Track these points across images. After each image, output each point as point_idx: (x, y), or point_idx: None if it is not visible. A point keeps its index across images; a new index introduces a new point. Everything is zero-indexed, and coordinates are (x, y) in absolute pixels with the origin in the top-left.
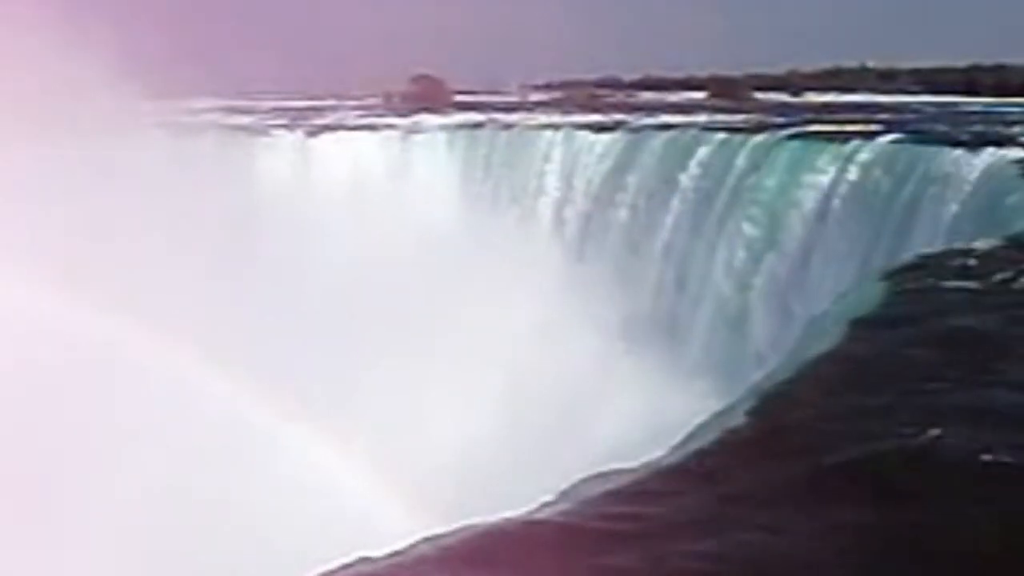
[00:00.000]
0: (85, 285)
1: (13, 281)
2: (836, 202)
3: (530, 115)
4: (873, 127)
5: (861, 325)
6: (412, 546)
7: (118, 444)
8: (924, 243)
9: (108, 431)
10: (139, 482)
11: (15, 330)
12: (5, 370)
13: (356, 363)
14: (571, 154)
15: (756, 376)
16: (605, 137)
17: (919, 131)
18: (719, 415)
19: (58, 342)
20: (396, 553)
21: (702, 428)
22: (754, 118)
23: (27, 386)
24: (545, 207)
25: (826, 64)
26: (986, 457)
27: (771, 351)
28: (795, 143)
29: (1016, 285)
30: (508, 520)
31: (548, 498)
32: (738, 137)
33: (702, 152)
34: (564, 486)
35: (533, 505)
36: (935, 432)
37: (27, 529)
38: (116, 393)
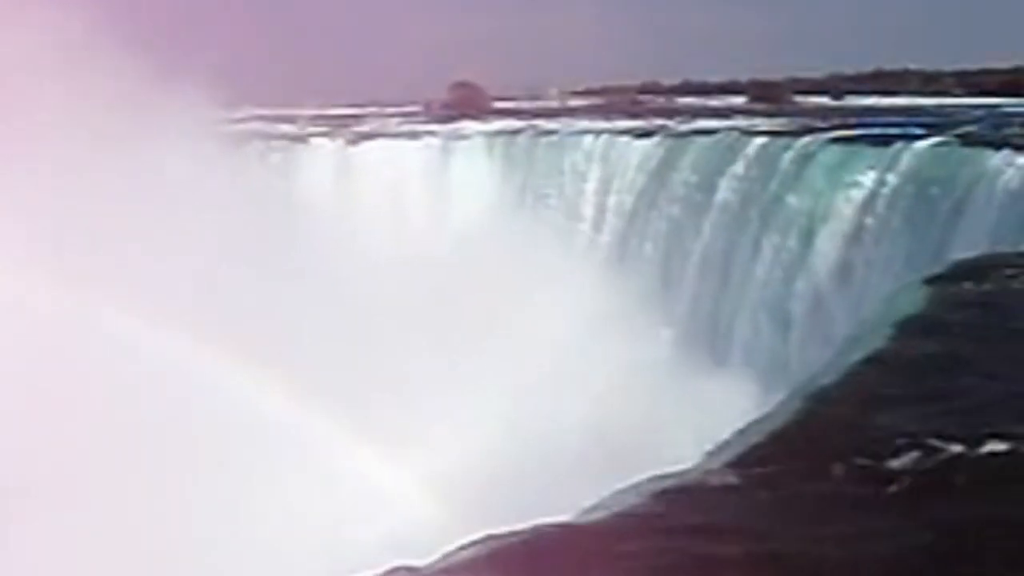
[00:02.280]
0: (131, 293)
1: (61, 286)
2: (879, 205)
3: (570, 121)
4: (916, 130)
5: (906, 328)
6: (454, 552)
7: (170, 452)
8: (969, 246)
9: (160, 439)
10: (193, 486)
11: (63, 338)
12: (61, 378)
13: (397, 367)
14: (611, 159)
15: (799, 380)
16: (645, 142)
17: (963, 134)
18: (761, 419)
19: (100, 349)
20: (437, 561)
21: (744, 432)
22: (795, 122)
23: (84, 393)
24: (585, 212)
25: (868, 67)
26: None
27: (814, 355)
28: (837, 147)
29: None
30: (553, 525)
31: (591, 502)
32: (779, 141)
33: (743, 156)
34: (605, 490)
35: (576, 509)
36: (985, 435)
37: (69, 527)
38: (163, 401)
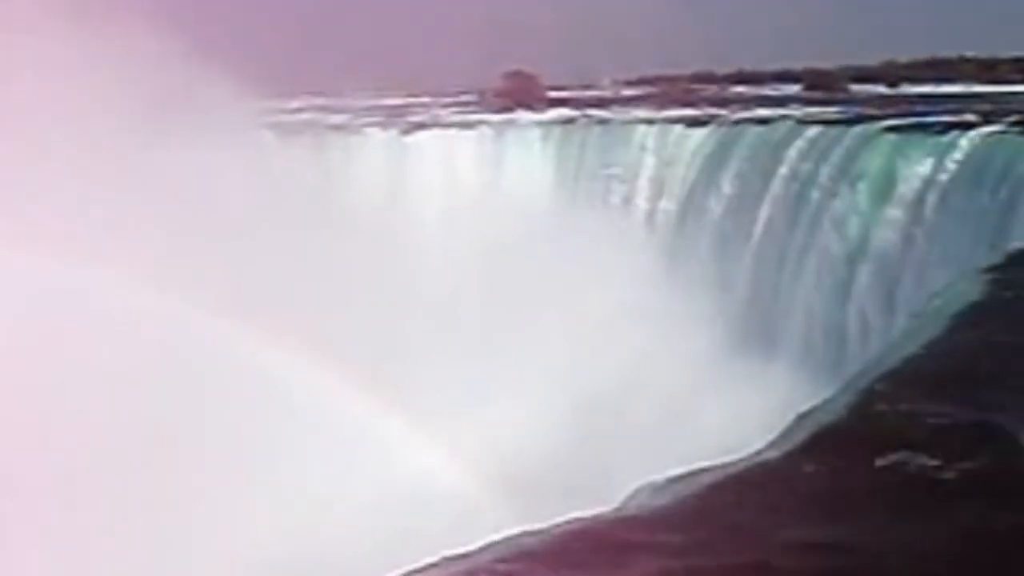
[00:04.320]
0: (189, 284)
1: (118, 280)
2: (935, 194)
3: (624, 110)
4: (972, 117)
5: (963, 319)
6: (497, 544)
7: (225, 439)
8: None
9: (218, 429)
10: (252, 467)
11: (120, 330)
12: (121, 369)
13: (447, 356)
14: (665, 148)
15: (854, 370)
16: (699, 131)
17: (1020, 121)
18: (815, 410)
19: (158, 342)
20: (479, 551)
21: (797, 424)
22: (850, 110)
23: (142, 385)
24: (639, 201)
25: (923, 54)
26: None
27: (869, 346)
28: (892, 135)
29: None
30: (598, 516)
31: (637, 494)
32: (834, 130)
33: (797, 145)
34: (652, 482)
35: (621, 500)
36: None
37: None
38: (221, 392)
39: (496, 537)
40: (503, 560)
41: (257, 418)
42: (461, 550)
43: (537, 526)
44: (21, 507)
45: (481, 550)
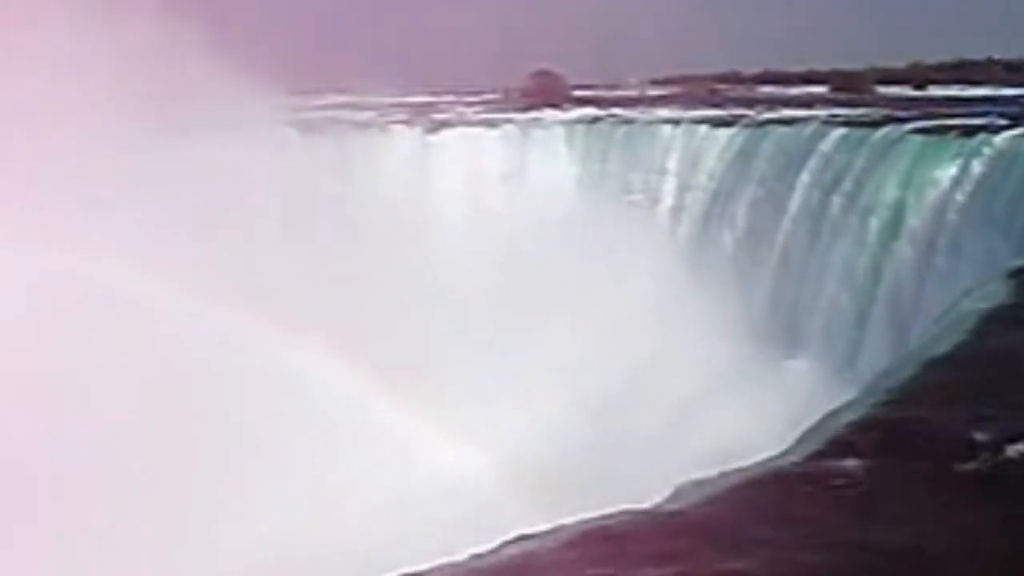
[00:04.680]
0: (209, 279)
1: (142, 275)
2: (960, 197)
3: (649, 110)
4: (999, 120)
5: (987, 323)
6: (517, 541)
7: (244, 435)
8: None
9: (237, 424)
10: (271, 470)
11: (139, 325)
12: (140, 363)
13: (472, 354)
14: (690, 149)
15: (877, 372)
16: (724, 132)
17: None
18: (837, 413)
19: (177, 337)
20: (500, 548)
21: (820, 426)
22: (876, 112)
23: (161, 380)
24: (664, 202)
25: (950, 57)
26: None
27: (894, 348)
28: (918, 137)
29: None
30: (628, 513)
31: (661, 495)
32: (860, 131)
33: (823, 147)
34: (677, 483)
35: (646, 502)
36: None
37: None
38: (240, 387)
39: (516, 534)
40: (526, 556)
41: (277, 413)
42: (482, 547)
43: (556, 524)
44: (44, 499)
45: (502, 547)
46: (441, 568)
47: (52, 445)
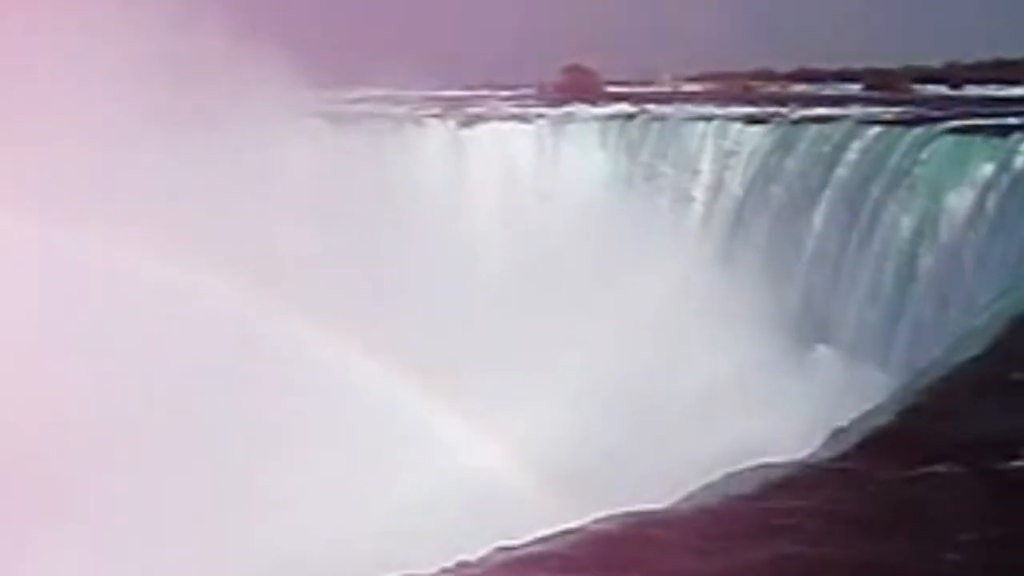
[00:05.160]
0: (238, 270)
1: (173, 266)
2: (995, 198)
3: (683, 106)
4: None
5: (1020, 322)
6: (553, 537)
7: (270, 428)
8: None
9: (261, 416)
10: (297, 462)
11: (170, 316)
12: (182, 357)
13: (504, 349)
14: (723, 146)
15: (909, 372)
16: (758, 129)
17: None
18: (870, 412)
19: (207, 326)
20: (533, 543)
21: (851, 426)
22: (911, 111)
23: (187, 372)
24: (696, 198)
25: (986, 56)
26: None
27: (926, 348)
28: (953, 137)
29: None
30: (653, 512)
31: (690, 491)
32: (894, 130)
33: (857, 145)
34: (706, 479)
35: (676, 497)
36: None
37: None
38: (271, 377)
39: (548, 531)
40: (554, 554)
41: (303, 406)
42: (513, 542)
43: (584, 521)
44: (63, 491)
45: (533, 543)
46: (463, 565)
47: (76, 437)
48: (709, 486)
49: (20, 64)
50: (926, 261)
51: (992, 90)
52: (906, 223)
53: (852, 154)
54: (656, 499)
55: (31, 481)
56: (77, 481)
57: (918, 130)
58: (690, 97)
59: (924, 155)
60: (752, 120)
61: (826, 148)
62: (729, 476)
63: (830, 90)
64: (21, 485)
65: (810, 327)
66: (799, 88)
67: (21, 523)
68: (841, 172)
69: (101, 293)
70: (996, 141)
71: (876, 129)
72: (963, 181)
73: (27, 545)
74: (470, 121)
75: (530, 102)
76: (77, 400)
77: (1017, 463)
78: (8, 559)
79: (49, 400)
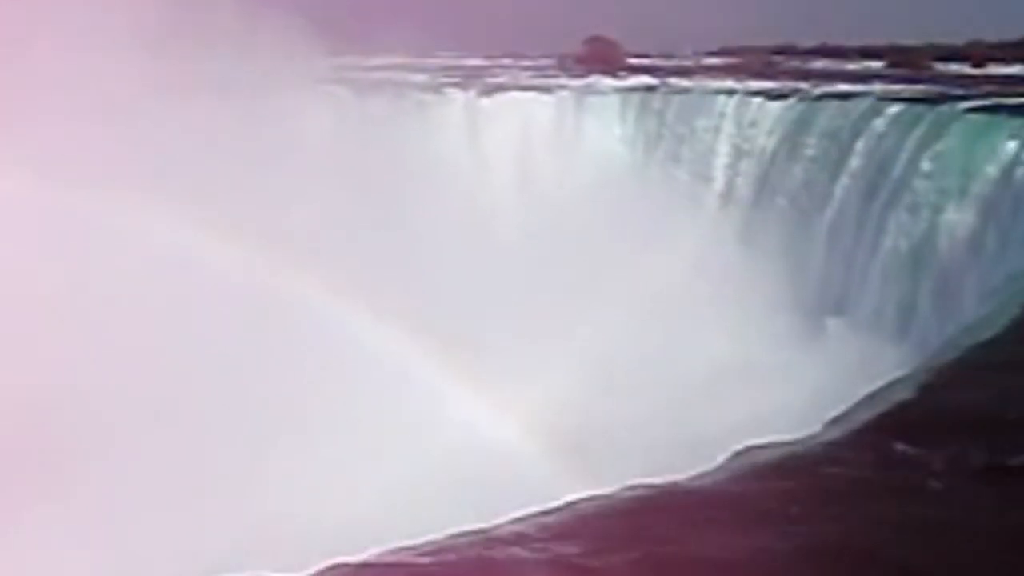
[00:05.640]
0: (259, 237)
1: (195, 232)
2: (1017, 178)
3: (704, 80)
4: None
5: None
6: (564, 507)
7: (301, 400)
8: None
9: (290, 388)
10: (312, 421)
11: (191, 282)
12: (197, 327)
13: (522, 319)
14: (744, 120)
15: (924, 353)
16: (779, 104)
17: None
18: (881, 391)
19: (227, 293)
20: (550, 512)
21: (864, 403)
22: (933, 89)
23: (204, 338)
24: (715, 172)
25: (1012, 34)
26: None
27: (942, 328)
28: (975, 116)
29: None
30: (665, 485)
31: (704, 468)
32: (916, 108)
33: (878, 123)
34: (721, 457)
35: (687, 473)
36: None
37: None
38: (289, 345)
39: (564, 500)
40: (569, 523)
41: (320, 374)
42: (531, 510)
43: (592, 494)
44: (76, 459)
45: (550, 512)
46: (466, 533)
47: (81, 411)
48: (719, 463)
49: (36, 34)
50: (945, 240)
51: (1015, 69)
52: (926, 200)
53: (873, 131)
54: (667, 473)
55: (34, 456)
56: (81, 456)
57: (940, 108)
58: (711, 71)
59: (946, 133)
60: (773, 95)
61: (847, 125)
62: (738, 453)
63: (852, 66)
64: (26, 460)
65: (827, 305)
66: (821, 64)
67: (29, 497)
68: (862, 149)
69: (117, 262)
70: (1018, 120)
71: (898, 106)
72: (985, 160)
73: (31, 520)
74: (490, 91)
75: (551, 73)
76: (87, 372)
77: (1015, 447)
78: (12, 534)
79: (57, 372)
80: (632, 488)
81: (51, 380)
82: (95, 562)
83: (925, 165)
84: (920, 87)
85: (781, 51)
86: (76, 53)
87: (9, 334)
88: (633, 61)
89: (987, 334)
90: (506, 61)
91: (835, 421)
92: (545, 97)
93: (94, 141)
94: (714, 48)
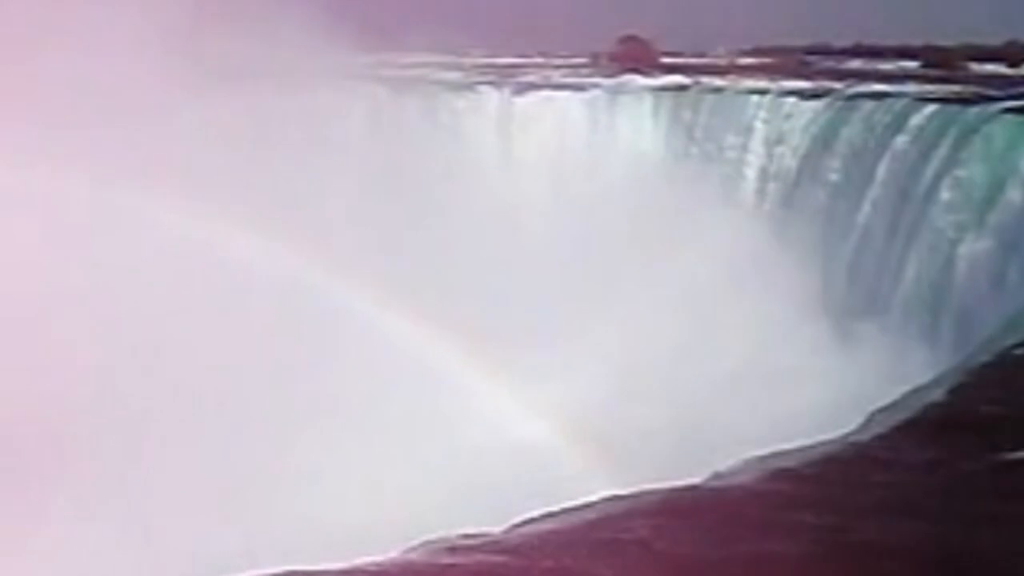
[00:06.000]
0: (292, 231)
1: (229, 226)
2: None
3: (738, 79)
4: None
5: None
6: (586, 507)
7: (326, 393)
8: None
9: (314, 381)
10: (346, 424)
11: (222, 273)
12: (225, 323)
13: (553, 318)
14: (777, 120)
15: (959, 354)
16: (812, 104)
17: None
18: (917, 391)
19: (261, 287)
20: (576, 510)
21: (899, 403)
22: (968, 89)
23: (241, 336)
24: (749, 173)
25: None
26: None
27: (977, 330)
28: (1011, 117)
29: None
30: (690, 487)
31: (720, 470)
32: (951, 109)
33: (913, 123)
34: (738, 459)
35: (705, 475)
36: None
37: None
38: (318, 340)
39: (589, 499)
40: (590, 523)
41: (349, 368)
42: (556, 508)
43: (615, 494)
44: (99, 451)
45: (572, 511)
46: (485, 535)
47: (105, 404)
48: (743, 465)
49: (66, 27)
50: (979, 242)
51: None
52: (961, 201)
53: (908, 132)
54: (692, 474)
55: (58, 450)
56: (109, 449)
57: (975, 109)
58: (745, 70)
59: (981, 134)
60: (807, 95)
61: (881, 125)
62: (763, 456)
63: (887, 66)
64: (48, 454)
65: (858, 304)
66: (855, 64)
67: (52, 490)
68: (896, 149)
69: (148, 253)
70: None
71: (933, 107)
72: (1020, 161)
73: (57, 514)
74: (523, 89)
75: (584, 72)
76: (120, 368)
77: None
78: (35, 529)
79: (80, 364)
80: (655, 490)
81: (82, 375)
82: (118, 558)
83: (960, 166)
84: (955, 87)
85: (815, 51)
86: (109, 48)
87: (39, 330)
88: (666, 60)
89: (1019, 337)
90: (539, 60)
91: (863, 424)
92: (578, 96)
93: (123, 136)
94: (748, 47)
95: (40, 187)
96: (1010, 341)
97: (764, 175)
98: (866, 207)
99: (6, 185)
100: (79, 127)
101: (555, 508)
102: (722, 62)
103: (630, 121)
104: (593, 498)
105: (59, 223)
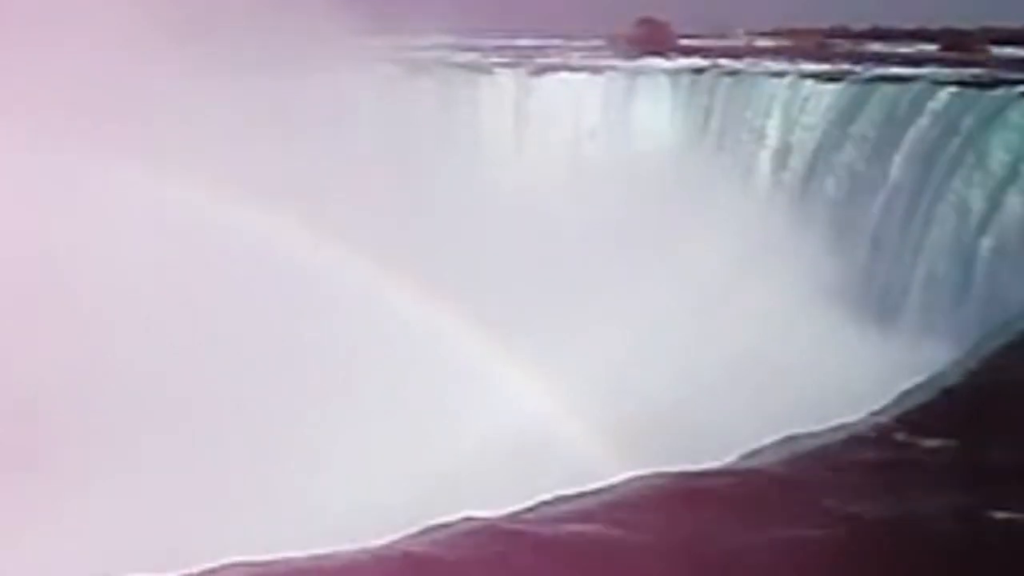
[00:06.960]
0: (307, 212)
1: (239, 214)
2: None
3: (755, 62)
4: None
5: None
6: (604, 490)
7: (340, 376)
8: None
9: (329, 364)
10: (359, 407)
11: (239, 254)
12: (238, 306)
13: (568, 301)
14: (795, 103)
15: (974, 340)
16: (830, 87)
17: None
18: (931, 380)
19: (275, 268)
20: (593, 494)
21: (913, 392)
22: (988, 72)
23: (255, 319)
24: (766, 155)
25: None
26: None
27: (992, 316)
28: None
29: None
30: (704, 472)
31: (740, 455)
32: (969, 92)
33: (931, 107)
34: (758, 444)
35: (725, 461)
36: None
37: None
38: (335, 321)
39: (605, 483)
40: (607, 505)
41: (364, 354)
42: (571, 491)
43: (628, 478)
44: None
45: (589, 494)
46: (503, 516)
47: (112, 382)
48: (759, 450)
49: (92, 8)
50: (998, 223)
51: None
52: (980, 184)
53: (926, 115)
54: (703, 461)
55: (66, 428)
56: (116, 429)
57: (995, 92)
58: (763, 52)
59: (1000, 118)
60: (825, 77)
61: (900, 108)
62: (778, 442)
63: (905, 49)
64: (60, 431)
65: (875, 292)
66: (874, 46)
67: (62, 469)
68: (914, 133)
69: (162, 236)
70: None
71: (951, 90)
72: None
73: (64, 495)
74: (540, 71)
75: (601, 53)
76: (139, 350)
77: None
78: (45, 509)
79: (88, 342)
80: (672, 474)
81: (93, 356)
82: (121, 540)
83: (979, 149)
84: (975, 70)
85: (834, 33)
86: (123, 33)
87: (58, 313)
88: (684, 42)
89: None
90: (557, 42)
91: (884, 408)
92: (595, 78)
93: (139, 121)
94: (766, 29)
95: (54, 171)
96: (1016, 332)
97: (781, 158)
98: (884, 191)
99: (27, 170)
100: (94, 113)
101: (569, 491)
102: (740, 44)
103: (647, 104)
104: (611, 481)
105: (73, 206)
